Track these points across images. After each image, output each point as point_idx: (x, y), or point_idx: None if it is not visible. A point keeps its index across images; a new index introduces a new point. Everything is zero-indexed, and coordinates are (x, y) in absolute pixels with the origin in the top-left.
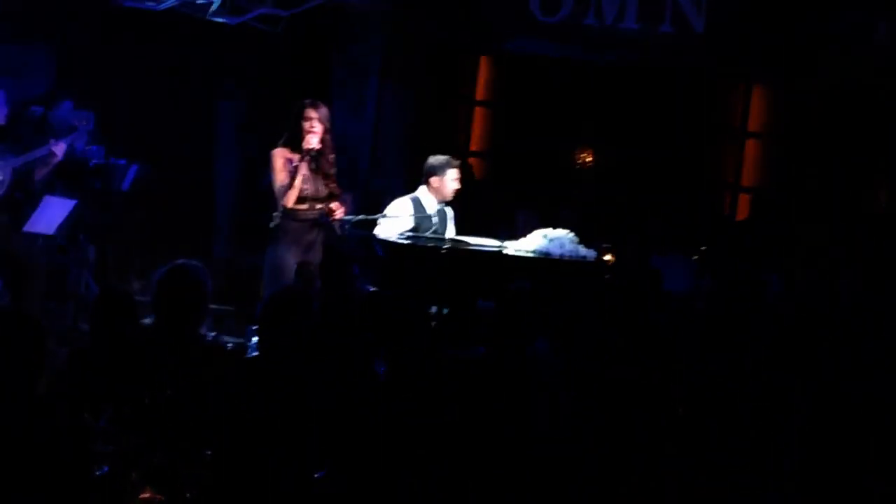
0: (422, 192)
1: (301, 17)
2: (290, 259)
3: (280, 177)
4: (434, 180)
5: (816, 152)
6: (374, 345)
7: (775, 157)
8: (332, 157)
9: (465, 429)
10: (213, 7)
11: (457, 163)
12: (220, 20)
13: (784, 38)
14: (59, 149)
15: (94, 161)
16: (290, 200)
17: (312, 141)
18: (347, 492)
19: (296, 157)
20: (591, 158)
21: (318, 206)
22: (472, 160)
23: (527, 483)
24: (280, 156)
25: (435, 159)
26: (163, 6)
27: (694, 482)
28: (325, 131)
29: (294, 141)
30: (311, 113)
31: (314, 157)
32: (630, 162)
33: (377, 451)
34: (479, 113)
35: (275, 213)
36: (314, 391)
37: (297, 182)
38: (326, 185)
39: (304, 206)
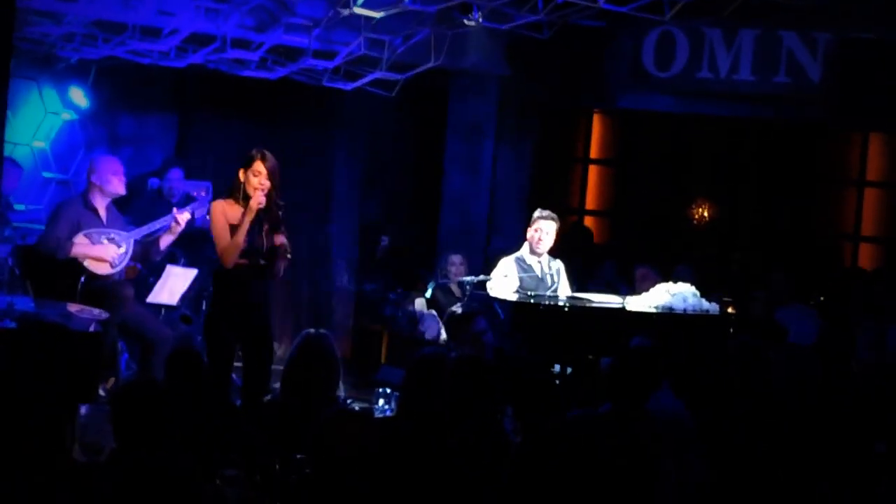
0: (524, 249)
1: (415, 79)
2: (227, 314)
3: (220, 235)
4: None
5: None
6: (502, 403)
7: None
8: (277, 208)
9: (595, 486)
10: (328, 74)
11: (539, 216)
12: (335, 86)
13: None
14: (183, 218)
15: None
16: (230, 261)
17: (261, 198)
18: None
19: (238, 211)
20: (707, 212)
21: (262, 260)
22: (588, 218)
23: None
24: (220, 212)
25: (535, 213)
26: (278, 74)
27: None
28: (273, 186)
29: (237, 192)
30: (261, 167)
31: (259, 212)
32: (747, 214)
33: None
34: (593, 170)
35: (216, 271)
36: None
37: (239, 240)
38: (274, 237)
39: (245, 261)
